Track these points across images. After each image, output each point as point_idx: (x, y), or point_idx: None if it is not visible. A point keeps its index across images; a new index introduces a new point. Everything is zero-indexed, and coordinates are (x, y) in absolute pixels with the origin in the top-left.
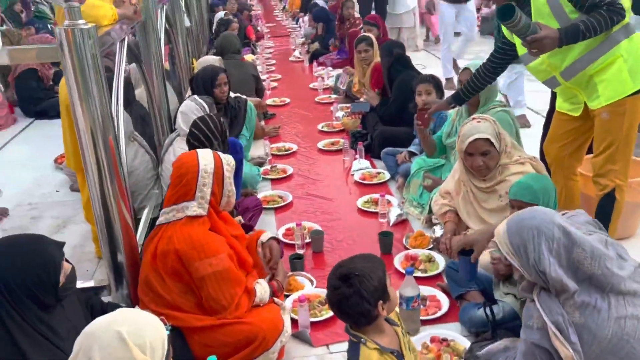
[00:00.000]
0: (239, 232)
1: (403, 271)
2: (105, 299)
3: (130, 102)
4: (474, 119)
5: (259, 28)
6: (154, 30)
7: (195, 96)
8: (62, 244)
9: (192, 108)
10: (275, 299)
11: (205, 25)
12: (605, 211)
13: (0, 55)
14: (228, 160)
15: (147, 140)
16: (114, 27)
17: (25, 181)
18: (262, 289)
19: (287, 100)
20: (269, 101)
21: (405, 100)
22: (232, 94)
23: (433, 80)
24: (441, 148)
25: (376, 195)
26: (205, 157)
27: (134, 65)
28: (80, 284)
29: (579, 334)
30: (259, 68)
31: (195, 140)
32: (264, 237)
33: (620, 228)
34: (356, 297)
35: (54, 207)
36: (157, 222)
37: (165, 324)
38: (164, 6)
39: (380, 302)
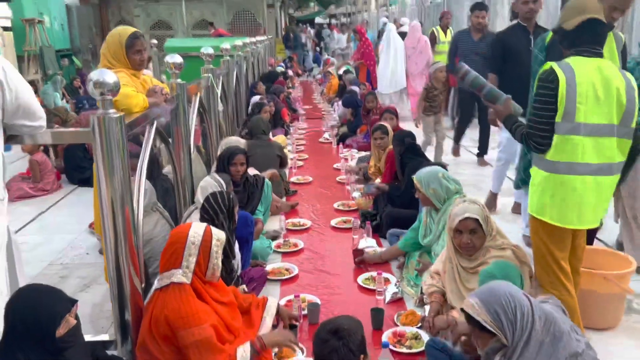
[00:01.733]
0: (229, 299)
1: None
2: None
3: (155, 176)
4: (464, 200)
5: (296, 110)
6: (184, 115)
7: (215, 173)
8: (75, 301)
9: (210, 184)
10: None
11: (243, 107)
12: None
13: (44, 136)
14: (219, 236)
15: (170, 212)
16: (144, 113)
17: (61, 242)
18: (242, 352)
19: (310, 179)
20: (293, 179)
21: (413, 187)
22: (254, 172)
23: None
24: (417, 245)
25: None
26: (197, 230)
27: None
28: (91, 337)
29: None
30: (289, 147)
31: (205, 213)
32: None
33: (601, 319)
34: (345, 349)
35: (83, 267)
36: (153, 288)
37: None
38: (199, 94)
39: (362, 355)
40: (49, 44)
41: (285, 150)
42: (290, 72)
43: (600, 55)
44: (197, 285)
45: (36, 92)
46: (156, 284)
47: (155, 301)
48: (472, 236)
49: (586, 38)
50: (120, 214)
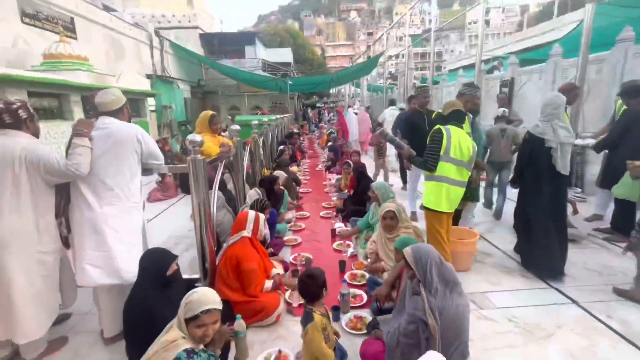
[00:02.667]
0: (264, 253)
1: (346, 280)
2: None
3: (224, 189)
4: (390, 201)
5: (304, 152)
6: (239, 157)
7: (257, 187)
8: (176, 256)
9: (253, 194)
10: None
11: (274, 151)
12: None
13: (164, 169)
14: (262, 217)
15: (232, 209)
16: (217, 157)
17: (175, 225)
18: (268, 283)
19: (310, 190)
20: (301, 190)
21: (365, 193)
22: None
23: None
24: (367, 225)
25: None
26: (251, 214)
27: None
28: (187, 276)
29: (439, 312)
30: (299, 174)
31: (251, 207)
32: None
33: (462, 265)
34: (313, 285)
35: (185, 239)
36: (223, 247)
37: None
38: (250, 145)
39: (324, 289)
40: (174, 118)
41: (297, 174)
42: (300, 131)
43: (461, 127)
44: (253, 241)
45: (166, 143)
46: (226, 244)
47: (227, 250)
48: (391, 221)
49: (454, 117)
50: (203, 209)
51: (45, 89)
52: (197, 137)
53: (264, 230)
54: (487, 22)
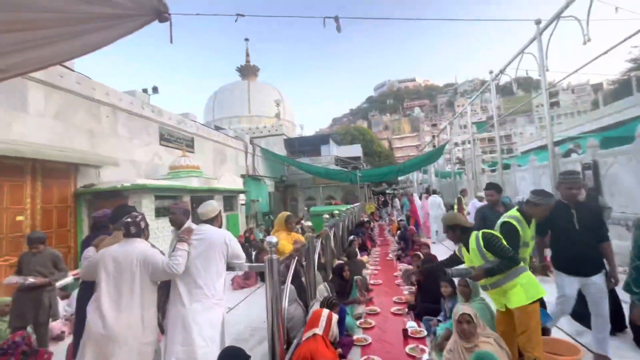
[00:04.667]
0: (335, 353)
1: None
2: None
3: (296, 283)
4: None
5: (375, 240)
6: (310, 251)
7: (326, 283)
8: (249, 357)
9: (322, 290)
10: None
11: (345, 241)
12: None
13: (244, 267)
14: (335, 317)
15: (303, 302)
16: (289, 254)
17: (252, 315)
18: None
19: (380, 281)
20: (371, 281)
21: (437, 290)
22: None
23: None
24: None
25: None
26: (325, 312)
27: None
28: None
29: None
30: (369, 264)
31: (321, 305)
32: None
33: None
34: None
35: (260, 331)
36: (295, 342)
37: None
38: (322, 236)
39: None
40: (259, 210)
41: (367, 265)
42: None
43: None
44: (325, 340)
45: (251, 233)
46: (297, 340)
47: (300, 348)
48: (467, 325)
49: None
50: (276, 306)
51: (167, 192)
52: (273, 239)
53: (335, 329)
54: (556, 103)
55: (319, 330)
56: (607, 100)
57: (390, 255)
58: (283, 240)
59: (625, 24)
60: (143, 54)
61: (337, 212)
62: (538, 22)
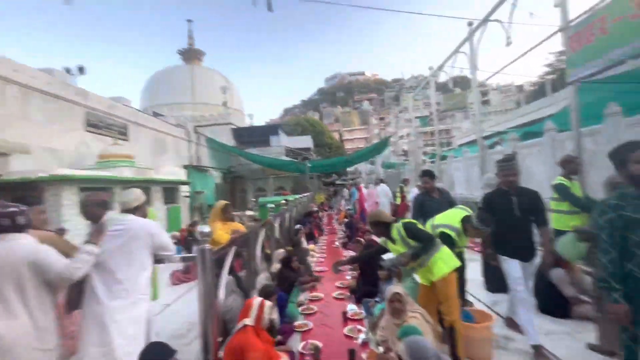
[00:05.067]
0: (270, 341)
1: None
2: None
3: (234, 273)
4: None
5: (322, 229)
6: (252, 241)
7: (267, 273)
8: (175, 351)
9: (262, 280)
10: None
11: (292, 232)
12: (452, 336)
13: (174, 259)
14: (267, 304)
15: (243, 293)
16: (226, 243)
17: (191, 310)
18: None
19: (326, 268)
20: (317, 268)
21: (376, 274)
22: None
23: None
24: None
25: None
26: (256, 301)
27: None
28: None
29: None
30: (316, 252)
31: (259, 295)
32: None
33: (478, 353)
34: None
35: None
36: (233, 331)
37: None
38: (265, 229)
39: None
40: (205, 202)
41: (313, 253)
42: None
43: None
44: (256, 330)
45: (194, 225)
46: (234, 329)
47: (231, 341)
48: (398, 304)
49: None
50: (208, 299)
51: (94, 184)
52: (205, 228)
53: (270, 316)
54: (487, 102)
55: (249, 321)
56: (528, 100)
57: (336, 243)
58: (220, 231)
59: (544, 30)
60: (71, 30)
61: (284, 202)
62: (470, 23)
